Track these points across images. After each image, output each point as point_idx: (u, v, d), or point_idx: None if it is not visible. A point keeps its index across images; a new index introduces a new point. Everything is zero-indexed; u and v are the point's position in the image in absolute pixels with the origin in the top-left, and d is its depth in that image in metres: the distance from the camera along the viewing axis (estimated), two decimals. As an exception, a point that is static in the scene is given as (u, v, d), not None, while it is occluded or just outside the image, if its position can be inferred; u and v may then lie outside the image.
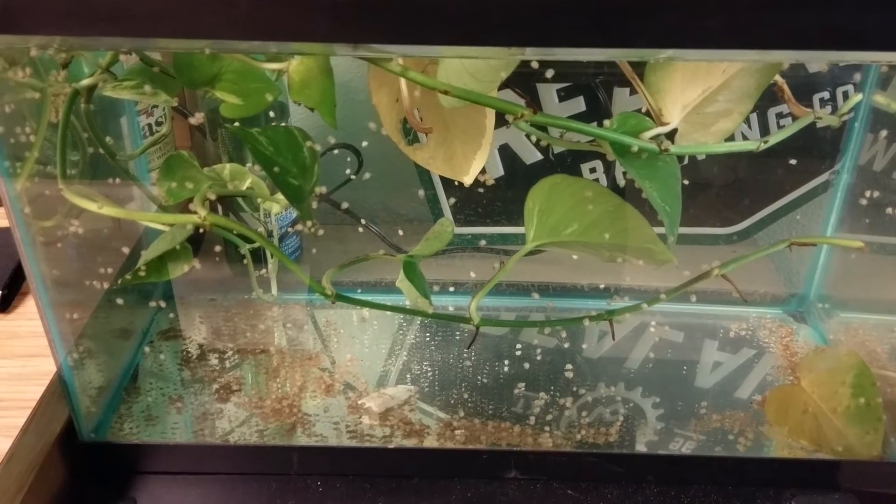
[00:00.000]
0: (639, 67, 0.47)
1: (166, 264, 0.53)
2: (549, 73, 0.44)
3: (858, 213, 0.63)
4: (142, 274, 0.52)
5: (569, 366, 0.65)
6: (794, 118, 0.53)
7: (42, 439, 0.52)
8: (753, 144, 0.50)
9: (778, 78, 0.50)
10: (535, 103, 0.46)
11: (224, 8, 0.37)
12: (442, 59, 0.44)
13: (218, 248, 0.60)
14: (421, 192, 0.68)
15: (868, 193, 0.61)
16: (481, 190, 0.54)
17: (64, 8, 0.37)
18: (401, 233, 0.68)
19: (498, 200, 0.69)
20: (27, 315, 0.60)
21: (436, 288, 0.68)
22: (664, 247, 0.51)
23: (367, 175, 0.58)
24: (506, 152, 0.68)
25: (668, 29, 0.37)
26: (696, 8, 0.37)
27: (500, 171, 0.69)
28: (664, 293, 0.56)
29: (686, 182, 0.48)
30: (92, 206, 0.49)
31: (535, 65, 0.44)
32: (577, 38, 0.38)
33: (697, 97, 0.47)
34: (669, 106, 0.48)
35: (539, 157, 0.68)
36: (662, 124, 0.48)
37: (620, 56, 0.46)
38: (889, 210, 0.59)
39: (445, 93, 0.44)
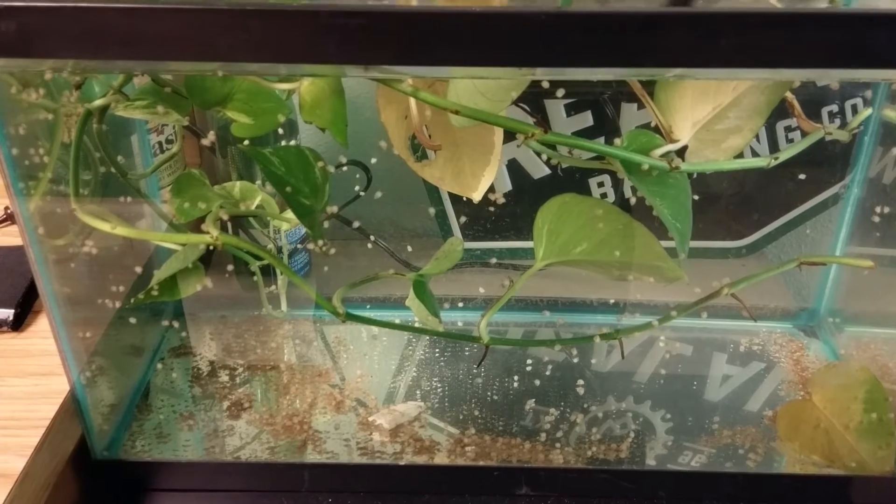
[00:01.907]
0: (649, 85, 0.48)
1: (178, 283, 0.53)
2: (560, 93, 0.44)
3: (869, 225, 0.63)
4: (154, 293, 0.52)
5: (579, 381, 0.64)
6: (804, 133, 0.53)
7: (55, 458, 0.52)
8: (764, 161, 0.50)
9: (788, 94, 0.50)
10: (543, 119, 0.46)
11: (236, 31, 0.37)
12: (452, 79, 0.44)
13: (230, 267, 0.60)
14: (431, 209, 0.68)
15: (878, 206, 0.61)
16: (490, 207, 0.54)
17: (78, 32, 0.37)
18: (409, 248, 0.68)
19: (506, 215, 0.69)
20: (40, 333, 0.60)
21: (446, 305, 0.68)
22: (674, 264, 0.51)
23: (378, 194, 0.58)
24: (514, 167, 0.68)
25: (680, 48, 0.37)
26: (708, 27, 0.37)
27: (508, 186, 0.69)
28: (675, 310, 0.56)
29: (695, 196, 0.48)
30: (105, 227, 0.49)
31: (545, 84, 0.44)
32: (588, 58, 0.38)
33: (708, 114, 0.47)
34: (679, 123, 0.48)
35: (547, 171, 0.68)
36: (673, 141, 0.48)
37: (631, 75, 0.46)
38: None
39: (457, 112, 0.44)
